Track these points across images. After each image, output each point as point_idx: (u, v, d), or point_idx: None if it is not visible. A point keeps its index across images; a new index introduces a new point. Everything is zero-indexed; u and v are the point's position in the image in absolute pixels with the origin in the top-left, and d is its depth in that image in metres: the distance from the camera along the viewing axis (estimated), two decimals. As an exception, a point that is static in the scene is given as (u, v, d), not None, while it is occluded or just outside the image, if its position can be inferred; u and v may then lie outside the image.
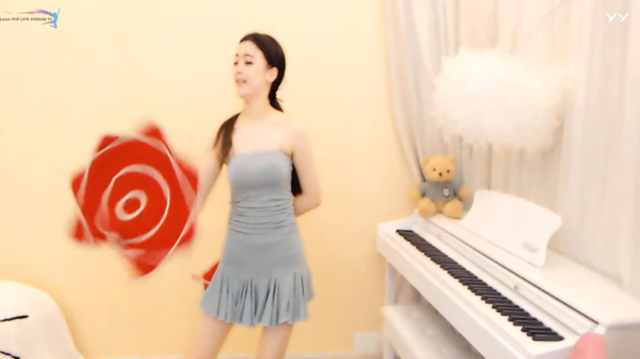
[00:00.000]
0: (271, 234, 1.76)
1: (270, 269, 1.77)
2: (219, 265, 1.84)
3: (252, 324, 1.74)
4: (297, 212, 1.88)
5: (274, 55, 1.78)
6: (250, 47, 1.74)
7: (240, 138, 1.80)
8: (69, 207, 2.41)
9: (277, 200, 1.77)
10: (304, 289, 1.80)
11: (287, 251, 1.79)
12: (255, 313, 1.75)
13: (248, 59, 1.73)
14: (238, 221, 1.78)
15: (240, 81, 1.74)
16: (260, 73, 1.75)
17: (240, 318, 1.75)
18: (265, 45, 1.76)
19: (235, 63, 1.75)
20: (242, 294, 1.77)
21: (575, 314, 1.33)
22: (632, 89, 1.38)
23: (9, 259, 2.42)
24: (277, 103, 1.90)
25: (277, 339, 1.76)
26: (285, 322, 1.72)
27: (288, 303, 1.74)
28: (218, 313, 1.74)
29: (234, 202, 1.81)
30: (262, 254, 1.76)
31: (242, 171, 1.74)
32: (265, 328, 1.76)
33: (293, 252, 1.80)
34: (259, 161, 1.73)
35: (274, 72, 1.79)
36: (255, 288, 1.77)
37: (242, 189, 1.76)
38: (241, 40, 1.77)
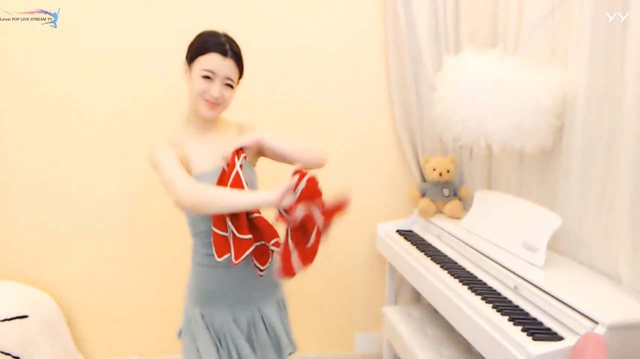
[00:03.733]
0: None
1: (250, 301, 1.54)
2: (191, 311, 1.56)
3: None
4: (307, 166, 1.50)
5: (243, 66, 1.53)
6: (232, 69, 1.47)
7: (194, 154, 1.50)
8: (68, 207, 2.43)
9: None
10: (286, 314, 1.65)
11: (266, 279, 1.54)
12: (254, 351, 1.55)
13: (229, 82, 1.47)
14: (211, 255, 1.43)
15: (213, 104, 1.47)
16: (233, 94, 1.52)
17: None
18: (242, 62, 1.51)
19: (207, 77, 1.44)
20: (223, 339, 1.52)
21: (575, 314, 1.33)
22: (630, 89, 1.38)
23: (9, 259, 2.42)
24: None
25: None
26: (291, 353, 1.58)
27: (285, 333, 1.59)
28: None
29: (200, 232, 1.51)
30: (244, 286, 1.53)
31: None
32: None
33: (271, 280, 1.57)
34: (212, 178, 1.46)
35: (239, 83, 1.55)
36: (237, 324, 1.53)
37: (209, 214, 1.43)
38: (215, 51, 1.44)
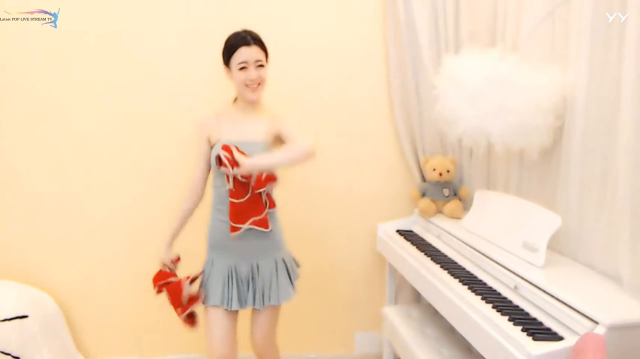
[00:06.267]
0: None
1: (251, 255, 1.84)
2: (209, 252, 1.91)
3: (240, 307, 1.84)
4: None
5: (267, 50, 1.86)
6: (258, 52, 1.80)
7: (227, 126, 1.87)
8: (68, 207, 2.43)
9: None
10: (288, 270, 1.90)
11: (265, 238, 1.85)
12: (239, 298, 1.84)
13: (260, 62, 1.81)
14: (220, 210, 1.83)
15: (254, 86, 1.81)
16: (266, 72, 1.85)
17: (230, 302, 1.82)
18: (264, 44, 1.84)
19: (243, 68, 1.79)
20: (228, 279, 1.84)
21: (575, 314, 1.33)
22: (627, 89, 1.38)
23: (9, 259, 2.42)
24: None
25: (265, 319, 1.88)
26: (270, 304, 1.84)
27: (270, 286, 1.84)
28: (223, 301, 1.82)
29: (216, 186, 1.86)
30: (243, 242, 1.83)
31: (215, 155, 1.78)
32: (253, 311, 1.89)
33: (272, 239, 1.87)
34: (244, 149, 1.75)
35: (268, 60, 1.88)
36: (238, 273, 1.85)
37: (223, 173, 1.79)
38: (240, 45, 1.78)
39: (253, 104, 1.87)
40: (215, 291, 1.83)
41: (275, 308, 1.90)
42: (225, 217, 1.81)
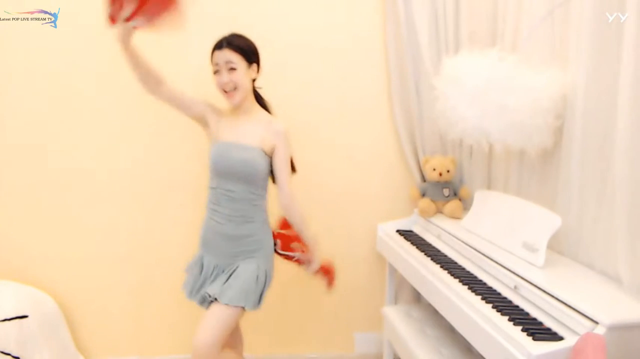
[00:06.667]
0: (242, 227, 1.83)
1: (235, 257, 1.84)
2: (199, 248, 1.95)
3: (199, 292, 1.85)
4: (283, 210, 1.93)
5: (251, 53, 1.81)
6: (228, 54, 1.76)
7: (225, 127, 1.86)
8: (69, 207, 2.43)
9: (251, 193, 1.83)
10: (265, 282, 1.86)
11: (254, 244, 1.86)
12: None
13: (230, 65, 1.76)
14: (214, 210, 1.85)
15: (230, 90, 1.78)
16: (244, 75, 1.79)
17: (198, 292, 1.86)
18: (241, 47, 1.79)
19: (216, 72, 1.78)
20: (210, 275, 1.86)
21: (575, 314, 1.33)
22: (625, 89, 1.38)
23: (9, 259, 2.42)
24: (264, 101, 1.98)
25: (219, 312, 1.72)
26: (228, 303, 1.72)
27: (241, 287, 1.75)
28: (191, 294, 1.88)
29: (212, 187, 1.87)
30: (231, 245, 1.84)
31: (223, 157, 1.80)
32: (212, 303, 1.76)
33: (259, 247, 1.87)
34: (239, 152, 1.79)
35: (254, 68, 1.84)
36: (219, 272, 1.85)
37: (220, 175, 1.82)
38: (215, 49, 1.78)
39: (243, 109, 1.87)
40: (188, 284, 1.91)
41: (235, 310, 1.74)
42: (219, 217, 1.84)
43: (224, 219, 1.84)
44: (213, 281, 1.84)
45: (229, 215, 1.83)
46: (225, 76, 1.76)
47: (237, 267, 1.82)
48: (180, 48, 2.39)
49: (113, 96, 2.39)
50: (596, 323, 1.27)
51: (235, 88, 1.78)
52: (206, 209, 1.91)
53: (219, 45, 1.78)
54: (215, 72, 1.78)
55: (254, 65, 1.84)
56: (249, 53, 1.81)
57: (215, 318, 1.71)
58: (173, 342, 2.59)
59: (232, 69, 1.76)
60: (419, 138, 2.46)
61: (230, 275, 1.80)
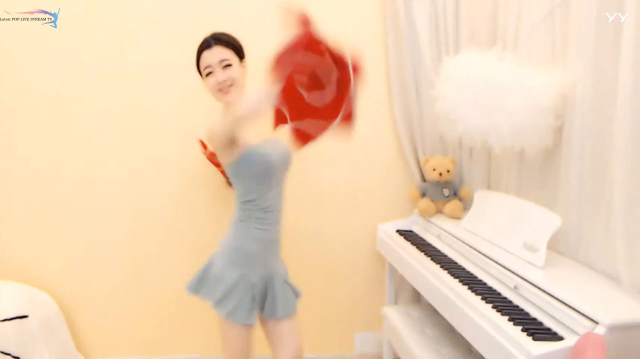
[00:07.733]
0: (279, 225, 1.80)
1: (274, 263, 1.80)
2: (235, 271, 1.71)
3: (265, 316, 1.80)
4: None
5: (240, 48, 1.76)
6: (221, 51, 1.69)
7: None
8: (69, 207, 2.43)
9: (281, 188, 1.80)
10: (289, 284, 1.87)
11: (278, 248, 1.84)
12: (263, 307, 1.79)
13: (225, 62, 1.69)
14: (261, 219, 1.71)
15: (226, 88, 1.69)
16: (239, 71, 1.72)
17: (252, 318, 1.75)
18: (231, 42, 1.73)
19: (209, 74, 1.69)
20: (256, 296, 1.75)
21: (575, 314, 1.33)
22: (625, 89, 1.38)
23: (9, 259, 2.42)
24: None
25: (296, 325, 1.85)
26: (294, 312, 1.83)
27: (291, 292, 1.84)
28: (251, 318, 1.72)
29: (249, 201, 1.70)
30: (273, 249, 1.80)
31: (278, 154, 1.71)
32: (280, 320, 1.81)
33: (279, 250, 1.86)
34: (275, 147, 1.73)
35: (244, 64, 1.77)
36: (269, 281, 1.78)
37: (277, 175, 1.73)
38: (203, 50, 1.70)
39: (233, 107, 1.70)
40: (244, 308, 1.70)
41: (294, 317, 1.86)
42: (268, 225, 1.72)
43: (274, 222, 1.75)
44: (266, 299, 1.78)
45: (278, 214, 1.77)
46: (221, 74, 1.67)
47: (280, 275, 1.80)
48: (182, 48, 2.39)
49: (115, 98, 2.38)
50: (596, 322, 1.27)
51: (231, 85, 1.70)
52: (241, 227, 1.72)
53: (207, 45, 1.69)
54: (209, 73, 1.69)
55: (244, 61, 1.77)
56: (239, 48, 1.75)
57: (296, 329, 1.88)
58: (173, 342, 2.59)
59: (228, 65, 1.69)
60: (419, 138, 2.46)
61: (281, 286, 1.80)
